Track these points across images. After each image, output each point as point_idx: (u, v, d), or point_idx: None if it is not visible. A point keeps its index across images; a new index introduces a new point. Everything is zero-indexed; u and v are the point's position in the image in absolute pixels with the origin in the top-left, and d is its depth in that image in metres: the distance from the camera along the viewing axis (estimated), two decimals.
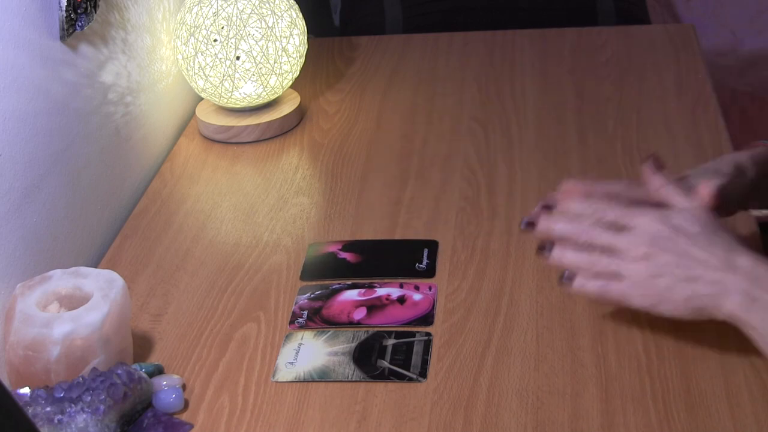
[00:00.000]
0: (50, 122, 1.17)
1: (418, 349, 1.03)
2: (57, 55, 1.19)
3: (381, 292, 1.12)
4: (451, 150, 1.42)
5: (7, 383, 0.99)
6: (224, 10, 1.42)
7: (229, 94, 1.45)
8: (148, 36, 1.44)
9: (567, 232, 1.00)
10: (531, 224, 1.04)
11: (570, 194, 1.04)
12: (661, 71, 1.59)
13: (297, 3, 1.50)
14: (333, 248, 1.20)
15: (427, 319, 1.08)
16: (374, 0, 2.03)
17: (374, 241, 1.22)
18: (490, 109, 1.52)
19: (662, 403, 0.95)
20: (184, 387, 1.02)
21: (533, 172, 1.35)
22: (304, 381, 1.00)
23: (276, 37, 1.43)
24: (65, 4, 1.16)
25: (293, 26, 1.46)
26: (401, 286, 1.13)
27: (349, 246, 1.21)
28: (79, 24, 1.21)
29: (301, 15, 1.49)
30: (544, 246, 1.01)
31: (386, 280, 1.14)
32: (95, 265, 1.25)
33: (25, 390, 0.92)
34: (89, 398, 0.91)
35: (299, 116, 1.53)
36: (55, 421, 0.90)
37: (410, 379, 1.00)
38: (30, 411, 0.90)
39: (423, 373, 1.00)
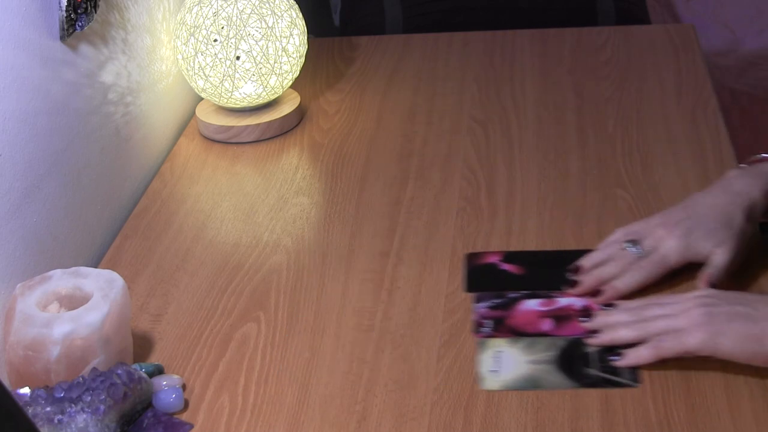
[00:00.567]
0: (50, 122, 1.17)
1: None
2: (57, 55, 1.19)
3: (563, 302, 1.09)
4: (451, 150, 1.42)
5: (7, 383, 0.99)
6: (224, 10, 1.42)
7: (229, 94, 1.46)
8: (148, 36, 1.44)
9: (622, 319, 1.02)
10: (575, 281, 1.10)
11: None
12: (661, 71, 1.59)
13: (297, 3, 1.50)
14: (492, 259, 1.17)
15: None
16: (374, 0, 2.03)
17: (535, 252, 1.18)
18: (490, 109, 1.52)
19: (662, 403, 0.95)
20: (184, 387, 1.02)
21: (533, 172, 1.35)
22: (513, 389, 0.98)
23: (276, 37, 1.43)
24: (65, 4, 1.16)
25: (293, 26, 1.46)
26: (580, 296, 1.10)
27: (510, 257, 1.17)
28: (79, 24, 1.21)
29: (301, 15, 1.49)
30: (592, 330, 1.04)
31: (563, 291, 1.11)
32: (95, 265, 1.25)
33: (25, 390, 0.92)
34: (89, 398, 0.91)
35: (299, 116, 1.53)
36: (55, 421, 0.90)
37: (625, 386, 0.97)
38: (30, 411, 0.90)
39: (635, 378, 0.98)
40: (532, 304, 1.08)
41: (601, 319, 1.04)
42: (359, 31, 1.94)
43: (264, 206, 1.32)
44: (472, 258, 1.18)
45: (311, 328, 1.09)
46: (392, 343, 1.06)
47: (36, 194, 1.13)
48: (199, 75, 1.44)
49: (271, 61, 1.44)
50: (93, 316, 0.97)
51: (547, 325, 1.06)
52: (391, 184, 1.35)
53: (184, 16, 1.44)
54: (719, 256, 1.06)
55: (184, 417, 0.98)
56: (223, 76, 1.43)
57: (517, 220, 1.24)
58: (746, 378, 0.97)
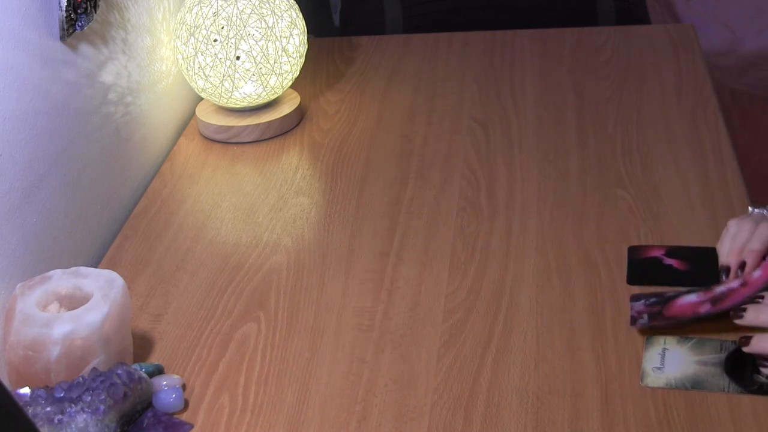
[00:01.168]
0: (50, 122, 1.17)
1: None
2: (57, 55, 1.19)
3: (722, 288, 1.03)
4: (451, 150, 1.42)
5: (7, 383, 0.99)
6: (224, 10, 1.42)
7: (229, 94, 1.46)
8: (148, 36, 1.44)
9: None
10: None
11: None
12: (661, 71, 1.59)
13: (297, 3, 1.50)
14: (656, 252, 1.16)
15: None
16: (374, 0, 2.03)
17: (697, 248, 1.16)
18: (490, 109, 1.52)
19: (662, 403, 0.95)
20: (184, 387, 1.02)
21: (533, 172, 1.35)
22: (676, 388, 0.97)
23: (276, 37, 1.43)
24: (65, 4, 1.16)
25: (293, 26, 1.46)
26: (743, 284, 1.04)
27: (673, 252, 1.16)
28: (79, 24, 1.21)
29: (301, 15, 1.49)
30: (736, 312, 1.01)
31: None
32: (95, 265, 1.25)
33: (25, 390, 0.92)
34: (89, 398, 0.91)
35: (299, 116, 1.53)
36: (55, 421, 0.90)
37: None
38: (30, 411, 0.90)
39: None
40: (691, 297, 1.04)
41: (751, 314, 0.99)
42: (359, 31, 1.94)
43: (264, 206, 1.32)
44: (633, 251, 1.17)
45: (311, 328, 1.09)
46: (392, 343, 1.06)
47: (36, 194, 1.13)
48: (199, 75, 1.44)
49: (271, 61, 1.44)
50: (93, 316, 0.97)
51: (705, 308, 1.02)
52: (391, 184, 1.35)
53: (184, 16, 1.44)
54: None
55: (184, 417, 0.98)
56: (223, 76, 1.43)
57: (517, 220, 1.25)
58: None
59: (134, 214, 1.33)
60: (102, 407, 0.91)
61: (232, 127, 1.48)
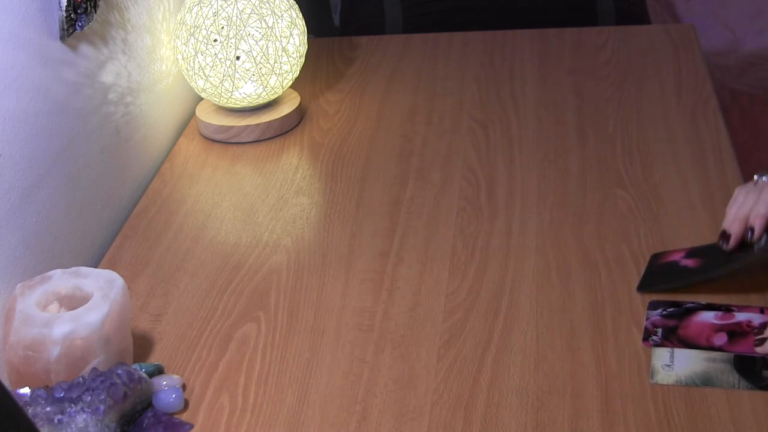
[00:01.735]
0: (50, 122, 1.17)
1: None
2: (57, 55, 1.19)
3: (741, 317, 1.04)
4: (451, 150, 1.42)
5: (7, 383, 0.99)
6: (224, 10, 1.42)
7: (229, 94, 1.46)
8: (148, 36, 1.44)
9: None
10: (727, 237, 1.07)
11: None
12: (661, 71, 1.59)
13: (297, 3, 1.50)
14: (675, 257, 1.13)
15: None
16: (374, 0, 2.03)
17: (714, 246, 1.11)
18: (490, 109, 1.52)
19: (662, 403, 0.95)
20: (184, 387, 1.02)
21: (533, 172, 1.35)
22: (686, 385, 0.97)
23: (276, 37, 1.43)
24: (65, 4, 1.16)
25: (293, 26, 1.46)
26: (762, 311, 1.05)
27: (692, 252, 1.13)
28: (79, 24, 1.21)
29: (301, 15, 1.49)
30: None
31: (744, 305, 1.06)
32: (95, 265, 1.25)
33: (25, 390, 0.92)
34: (89, 398, 0.91)
35: (299, 116, 1.53)
36: (55, 421, 0.90)
37: None
38: (30, 411, 0.90)
39: None
40: (708, 317, 1.04)
41: None
42: (359, 31, 1.94)
43: (264, 206, 1.32)
44: (654, 258, 1.15)
45: (311, 328, 1.09)
46: (392, 343, 1.06)
47: (36, 194, 1.13)
48: (199, 75, 1.44)
49: (271, 61, 1.44)
50: (93, 316, 0.97)
51: (720, 339, 1.02)
52: (391, 184, 1.35)
53: (184, 16, 1.44)
54: None
55: (184, 417, 0.98)
56: (223, 76, 1.43)
57: (517, 220, 1.25)
58: None
59: (134, 214, 1.33)
60: (102, 407, 0.91)
61: (232, 127, 1.48)
